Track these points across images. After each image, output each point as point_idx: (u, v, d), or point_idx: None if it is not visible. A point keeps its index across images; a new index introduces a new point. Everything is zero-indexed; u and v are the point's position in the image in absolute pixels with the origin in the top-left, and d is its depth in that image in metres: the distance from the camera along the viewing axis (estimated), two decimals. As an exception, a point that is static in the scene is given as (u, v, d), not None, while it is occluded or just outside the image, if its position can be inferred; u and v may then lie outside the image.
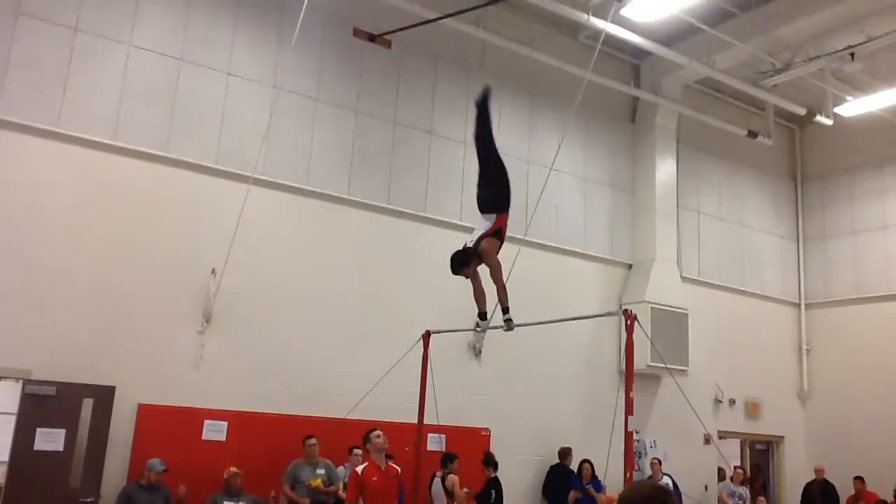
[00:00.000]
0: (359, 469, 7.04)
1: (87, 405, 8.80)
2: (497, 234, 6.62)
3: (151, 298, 9.48)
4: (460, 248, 6.66)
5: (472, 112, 7.47)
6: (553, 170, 11.59)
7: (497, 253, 6.65)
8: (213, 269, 9.67)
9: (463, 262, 6.55)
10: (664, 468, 12.28)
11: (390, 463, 7.24)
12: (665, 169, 14.19)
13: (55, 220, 9.06)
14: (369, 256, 11.14)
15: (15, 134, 8.96)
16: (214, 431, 9.49)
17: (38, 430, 8.50)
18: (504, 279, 6.79)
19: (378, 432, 7.26)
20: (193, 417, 9.39)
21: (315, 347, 10.43)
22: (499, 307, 6.93)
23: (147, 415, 9.15)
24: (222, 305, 9.81)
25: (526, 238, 11.55)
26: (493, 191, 6.78)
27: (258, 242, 10.12)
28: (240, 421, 9.63)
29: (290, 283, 10.43)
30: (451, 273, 6.69)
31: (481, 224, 6.76)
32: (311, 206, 10.82)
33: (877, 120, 14.62)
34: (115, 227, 9.40)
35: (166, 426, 9.16)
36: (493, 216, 6.68)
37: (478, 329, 7.39)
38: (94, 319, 9.10)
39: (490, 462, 10.52)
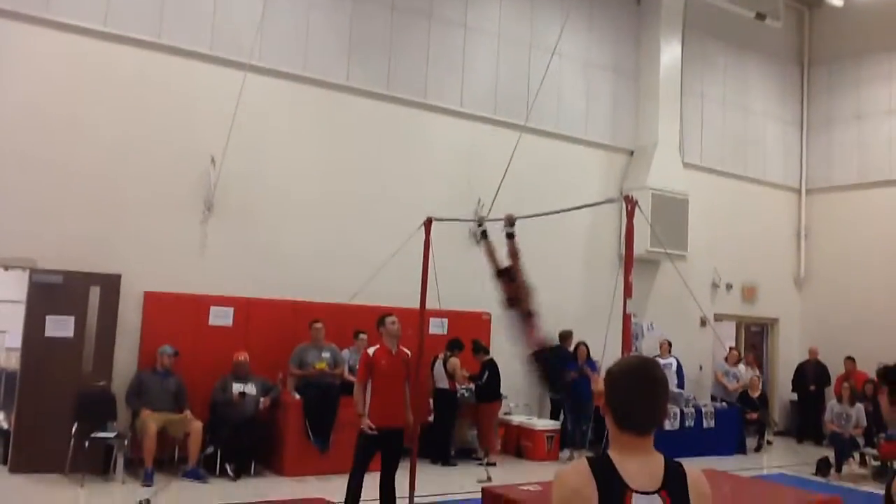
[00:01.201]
0: (370, 351, 7.22)
1: (95, 293, 8.97)
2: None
3: (152, 187, 9.50)
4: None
5: None
6: (555, 54, 11.36)
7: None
8: (213, 157, 9.64)
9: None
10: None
11: (401, 347, 7.42)
12: (670, 53, 13.89)
13: (51, 110, 8.98)
14: (369, 144, 11.08)
15: (4, 21, 8.76)
16: (221, 317, 9.69)
17: (48, 317, 8.70)
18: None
19: (393, 318, 7.39)
20: (199, 304, 9.58)
21: (317, 234, 10.52)
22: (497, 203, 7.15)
23: (154, 302, 9.33)
24: (223, 194, 9.83)
25: (526, 124, 11.44)
26: None
27: (257, 130, 10.05)
28: (245, 307, 9.82)
29: (290, 170, 10.41)
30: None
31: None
32: (309, 94, 10.68)
33: (887, 3, 14.23)
34: (112, 116, 9.32)
35: (173, 313, 9.35)
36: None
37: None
38: (96, 209, 9.15)
39: (479, 349, 10.79)
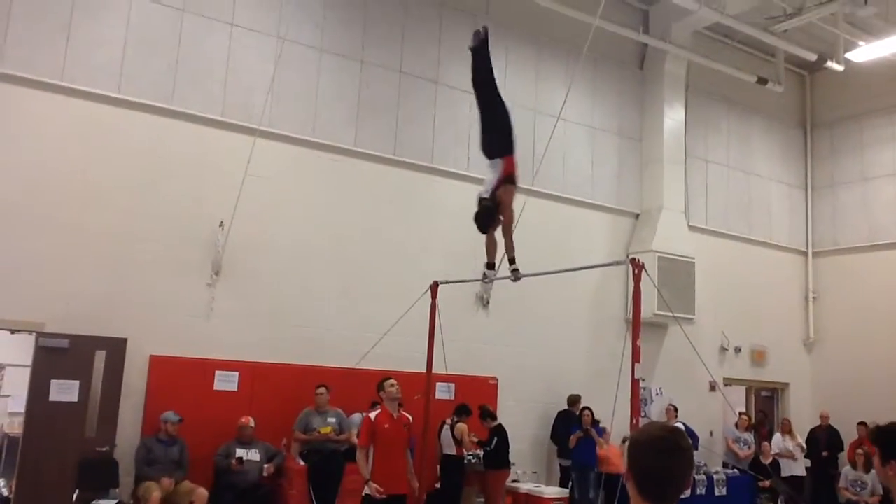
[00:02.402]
0: (371, 415, 7.17)
1: (100, 357, 8.92)
2: (510, 179, 6.49)
3: (161, 251, 9.54)
4: (481, 204, 6.44)
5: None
6: (560, 119, 11.49)
7: (513, 201, 6.54)
8: (221, 221, 9.70)
9: (490, 217, 6.42)
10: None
11: (402, 411, 7.35)
12: (673, 117, 14.05)
13: (63, 174, 9.08)
14: (376, 207, 11.14)
15: (19, 88, 8.94)
16: (226, 382, 9.62)
17: (53, 381, 8.64)
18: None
19: (392, 381, 7.36)
20: (205, 368, 9.52)
21: (324, 298, 10.51)
22: (506, 257, 6.91)
23: (159, 366, 9.28)
24: (231, 258, 9.86)
25: (533, 188, 11.50)
26: (499, 133, 6.63)
27: (265, 195, 10.12)
28: (251, 371, 9.75)
29: (297, 234, 10.46)
30: (478, 231, 6.57)
31: (489, 173, 6.67)
32: (317, 158, 10.79)
33: (888, 66, 14.40)
34: (123, 181, 9.41)
35: (178, 377, 9.29)
36: (500, 162, 6.54)
37: (485, 280, 7.35)
38: (104, 273, 9.17)
39: (486, 415, 10.66)
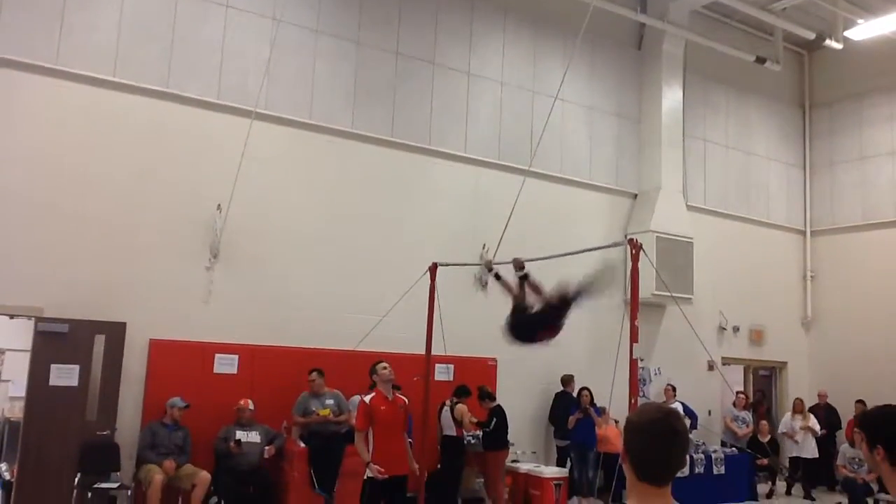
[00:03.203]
0: (367, 399, 7.18)
1: (100, 341, 8.94)
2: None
3: (158, 235, 9.53)
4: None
5: (476, 44, 7.36)
6: (558, 99, 11.45)
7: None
8: (219, 204, 9.68)
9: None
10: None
11: (397, 394, 7.39)
12: (671, 97, 14.01)
13: (59, 158, 9.05)
14: (374, 189, 11.13)
15: (15, 72, 8.90)
16: (226, 365, 9.64)
17: (53, 366, 8.66)
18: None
19: (384, 364, 7.38)
20: (204, 351, 9.54)
21: (322, 281, 10.51)
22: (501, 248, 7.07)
23: (159, 350, 9.30)
24: (229, 241, 9.85)
25: (530, 169, 11.48)
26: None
27: (263, 178, 10.10)
28: (250, 354, 9.77)
29: (295, 217, 10.45)
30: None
31: None
32: (314, 140, 10.76)
33: (887, 44, 14.33)
34: (120, 165, 9.38)
35: (178, 361, 9.31)
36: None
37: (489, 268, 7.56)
38: (103, 257, 9.16)
39: (485, 395, 10.70)
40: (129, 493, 8.47)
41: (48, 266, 8.82)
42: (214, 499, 8.83)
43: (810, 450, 12.63)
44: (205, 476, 8.63)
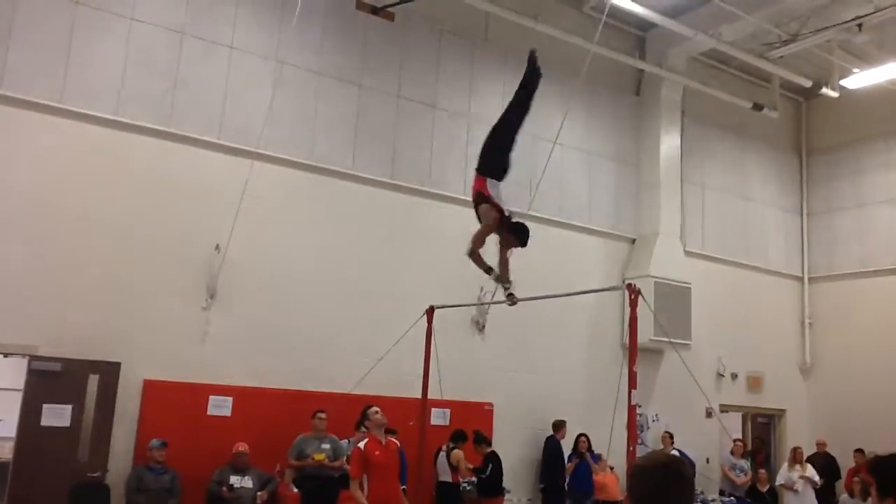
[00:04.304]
0: (361, 445, 7.13)
1: (93, 381, 8.85)
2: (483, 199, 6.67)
3: (156, 275, 9.49)
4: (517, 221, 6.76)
5: (476, 88, 7.36)
6: (557, 144, 11.53)
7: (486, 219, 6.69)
8: (217, 244, 9.66)
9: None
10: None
11: (390, 438, 7.33)
12: (669, 142, 14.10)
13: (59, 196, 9.05)
14: (373, 231, 11.13)
15: (18, 110, 8.93)
16: (220, 407, 9.55)
17: (45, 405, 8.56)
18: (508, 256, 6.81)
19: (375, 409, 7.35)
20: (199, 393, 9.45)
21: (319, 323, 10.45)
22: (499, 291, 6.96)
23: (152, 390, 9.21)
24: (227, 281, 9.82)
25: (530, 212, 11.51)
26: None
27: (262, 218, 10.10)
28: (245, 396, 9.68)
29: (294, 258, 10.43)
30: (523, 245, 6.88)
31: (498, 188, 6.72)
32: (314, 182, 10.79)
33: (883, 92, 14.49)
34: (119, 203, 9.38)
35: (172, 402, 9.22)
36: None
37: (506, 288, 7.21)
38: (98, 296, 9.11)
39: (481, 440, 10.62)
40: (119, 537, 8.31)
41: (43, 304, 8.77)
42: (205, 544, 8.67)
43: (809, 502, 12.37)
44: (196, 521, 8.49)
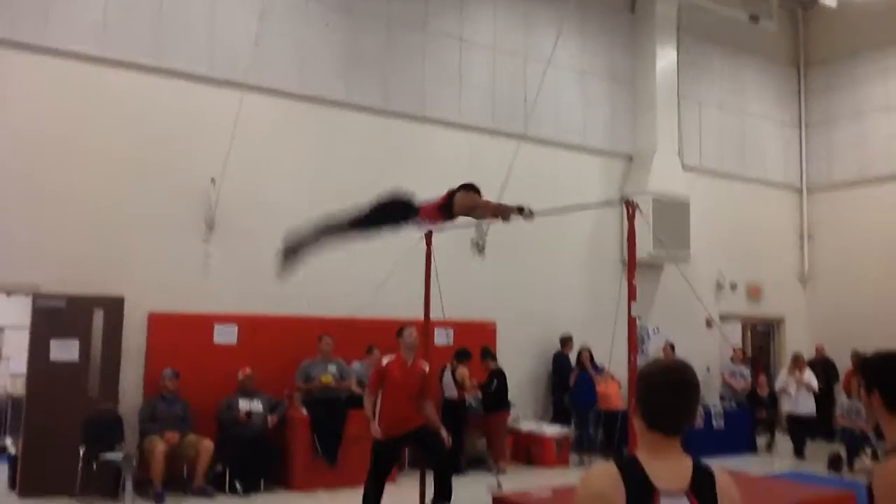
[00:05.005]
0: (384, 360, 7.30)
1: (98, 316, 8.96)
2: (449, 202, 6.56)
3: (153, 209, 9.51)
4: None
5: (467, 10, 7.18)
6: (551, 63, 11.39)
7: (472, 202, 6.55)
8: (213, 178, 9.64)
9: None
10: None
11: (419, 361, 7.42)
12: (665, 59, 13.91)
13: (50, 135, 9.02)
14: (368, 158, 11.08)
15: (4, 51, 8.82)
16: (225, 335, 9.68)
17: (52, 341, 8.69)
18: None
19: (411, 330, 7.44)
20: (204, 323, 9.57)
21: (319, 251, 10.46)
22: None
23: (158, 323, 9.33)
24: (224, 213, 9.84)
25: (525, 133, 11.45)
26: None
27: (255, 149, 10.07)
28: (250, 324, 9.80)
29: (290, 187, 10.41)
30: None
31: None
32: (307, 111, 10.71)
33: (881, 1, 14.23)
34: (111, 140, 9.35)
35: (177, 333, 9.35)
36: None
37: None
38: (98, 232, 9.16)
39: (487, 355, 10.82)
40: (134, 463, 8.52)
41: (42, 243, 8.82)
42: (219, 466, 8.91)
43: (807, 406, 12.54)
44: (208, 445, 8.71)
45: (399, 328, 7.52)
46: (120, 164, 9.36)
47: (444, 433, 7.28)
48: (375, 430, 7.01)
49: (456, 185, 11.60)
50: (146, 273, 9.37)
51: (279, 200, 10.29)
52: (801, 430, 12.32)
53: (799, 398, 12.32)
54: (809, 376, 12.48)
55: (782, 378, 12.72)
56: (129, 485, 8.42)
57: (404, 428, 7.06)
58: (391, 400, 7.10)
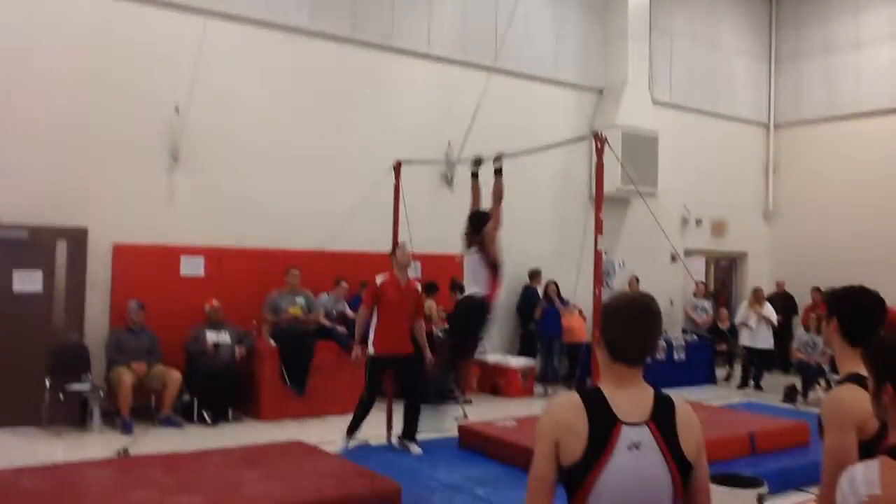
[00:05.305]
0: (378, 279, 7.40)
1: (62, 247, 8.84)
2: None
3: (117, 138, 9.31)
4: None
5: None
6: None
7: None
8: (177, 106, 9.44)
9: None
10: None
11: (412, 279, 7.55)
12: (638, -12, 13.73)
13: (7, 63, 8.71)
14: (335, 88, 10.90)
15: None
16: (192, 267, 9.61)
17: (15, 272, 8.55)
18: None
19: (404, 248, 7.59)
20: (170, 254, 9.49)
21: (285, 181, 10.40)
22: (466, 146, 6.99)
23: (122, 254, 9.23)
24: (189, 143, 9.66)
25: (495, 65, 11.31)
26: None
27: (220, 78, 9.84)
28: (217, 256, 9.74)
29: (255, 117, 10.24)
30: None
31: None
32: (272, 39, 10.46)
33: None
34: (73, 68, 9.09)
35: (143, 264, 9.27)
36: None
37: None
38: (59, 162, 8.96)
39: (456, 286, 10.86)
40: (101, 394, 8.54)
41: (2, 173, 8.59)
42: (187, 397, 8.96)
43: (764, 340, 12.80)
44: (176, 376, 8.73)
45: (392, 247, 7.64)
46: (82, 93, 9.11)
47: (429, 355, 7.48)
48: (360, 351, 7.24)
49: (424, 115, 11.56)
50: (110, 204, 9.22)
51: (244, 130, 10.14)
52: (759, 363, 12.63)
53: (758, 332, 12.58)
54: (769, 310, 12.70)
55: (742, 312, 12.94)
56: (96, 414, 8.47)
57: (398, 349, 7.25)
58: (387, 318, 7.29)
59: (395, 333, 7.35)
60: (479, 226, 6.77)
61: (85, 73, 9.14)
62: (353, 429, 7.32)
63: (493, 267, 6.81)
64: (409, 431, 7.50)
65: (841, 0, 15.32)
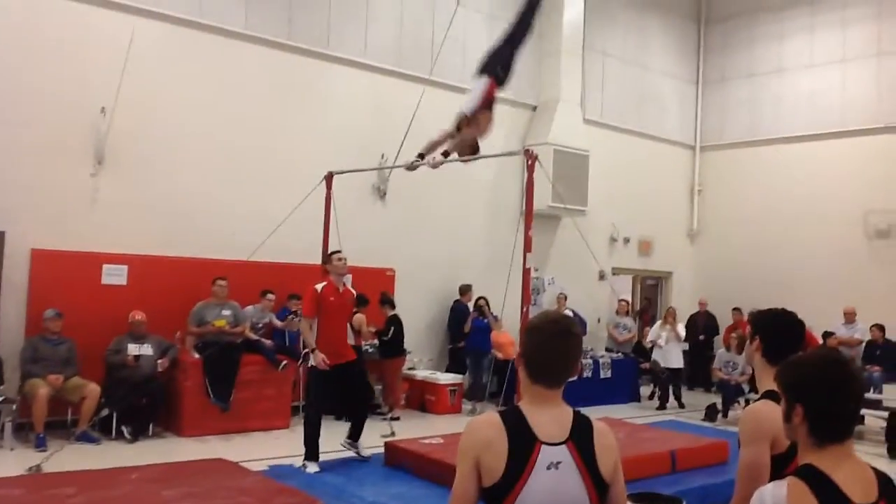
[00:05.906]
0: (318, 287, 7.36)
1: (-25, 251, 8.47)
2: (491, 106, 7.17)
3: (39, 139, 8.98)
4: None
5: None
6: (459, 5, 11.26)
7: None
8: (103, 107, 9.17)
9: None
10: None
11: (347, 286, 7.57)
12: (573, 8, 13.95)
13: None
14: (269, 94, 10.77)
15: None
16: (114, 276, 9.32)
17: (-76, 277, 8.16)
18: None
19: (340, 255, 7.65)
20: (91, 262, 9.18)
21: (214, 190, 10.19)
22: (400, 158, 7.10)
23: (41, 260, 8.89)
24: (115, 146, 9.39)
25: (431, 77, 11.33)
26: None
27: (149, 79, 9.61)
28: (141, 265, 9.47)
29: (185, 122, 10.02)
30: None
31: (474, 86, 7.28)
32: (204, 41, 10.25)
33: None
34: (-9, 63, 8.72)
35: (63, 271, 8.94)
36: (486, 81, 7.22)
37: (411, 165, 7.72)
38: (-26, 161, 8.59)
39: (386, 301, 10.87)
40: (14, 407, 8.19)
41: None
42: (105, 411, 8.65)
43: (675, 359, 12.94)
44: (94, 388, 8.43)
45: (328, 254, 7.66)
46: (3, 90, 8.76)
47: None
48: (320, 358, 7.15)
49: (358, 125, 11.52)
50: (29, 207, 8.88)
51: (172, 134, 9.91)
52: (668, 381, 12.81)
53: (669, 350, 12.83)
54: (680, 329, 13.02)
55: (655, 330, 13.21)
56: (8, 428, 8.11)
57: (341, 356, 7.23)
58: (328, 325, 7.37)
59: (337, 342, 7.40)
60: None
61: (7, 69, 8.80)
62: (312, 454, 7.22)
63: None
64: (356, 434, 7.61)
65: (766, 28, 15.88)
